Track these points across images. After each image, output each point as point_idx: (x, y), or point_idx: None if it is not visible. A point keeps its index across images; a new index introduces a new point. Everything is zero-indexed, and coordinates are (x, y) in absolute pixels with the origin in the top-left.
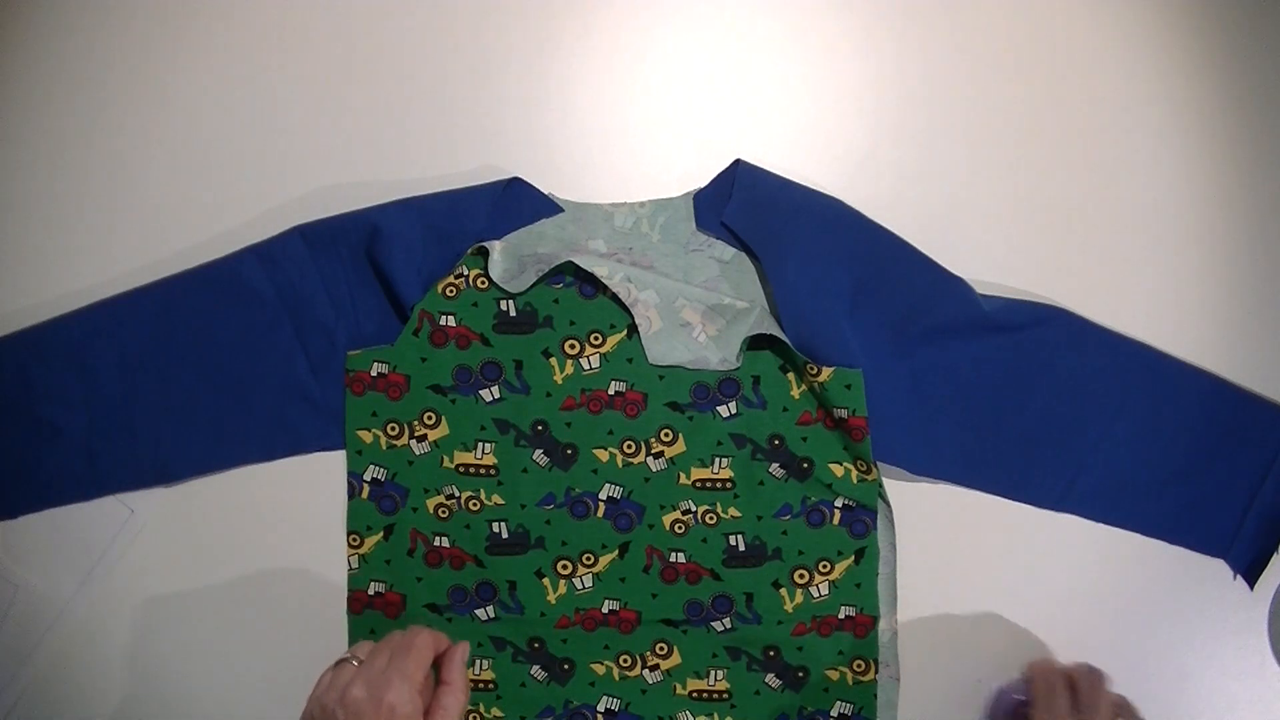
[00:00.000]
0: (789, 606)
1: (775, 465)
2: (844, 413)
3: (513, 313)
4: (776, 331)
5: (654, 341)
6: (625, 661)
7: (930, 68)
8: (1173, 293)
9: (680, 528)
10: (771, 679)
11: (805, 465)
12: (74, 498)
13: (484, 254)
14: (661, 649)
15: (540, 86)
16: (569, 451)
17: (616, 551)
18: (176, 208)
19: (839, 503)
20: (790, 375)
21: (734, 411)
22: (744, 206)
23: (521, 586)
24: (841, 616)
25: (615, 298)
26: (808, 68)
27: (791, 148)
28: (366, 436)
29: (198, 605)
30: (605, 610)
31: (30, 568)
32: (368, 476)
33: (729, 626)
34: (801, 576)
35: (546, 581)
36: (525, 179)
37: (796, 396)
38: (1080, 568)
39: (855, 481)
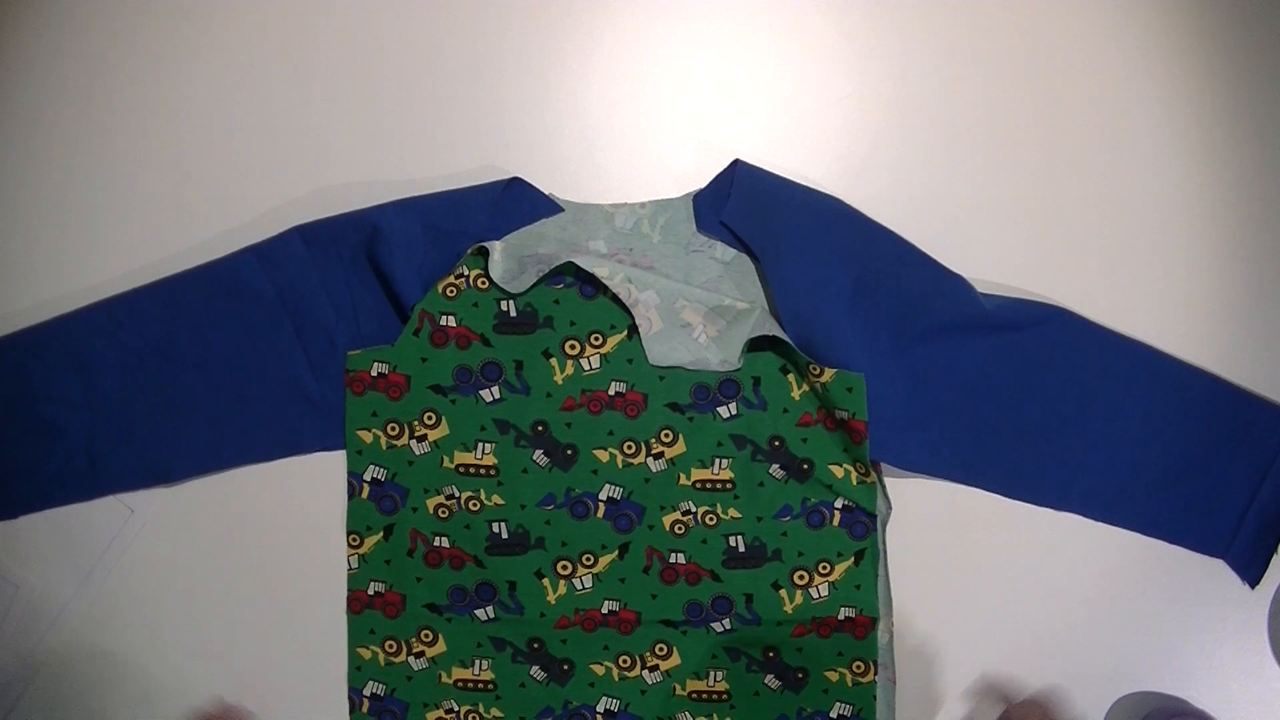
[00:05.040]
0: (788, 608)
1: (775, 466)
2: (845, 414)
3: (513, 313)
4: (778, 332)
5: (654, 342)
6: (625, 662)
7: (930, 68)
8: (1173, 293)
9: (680, 529)
10: (771, 680)
11: (805, 466)
12: (74, 498)
13: (484, 254)
14: (661, 650)
15: (541, 87)
16: (569, 452)
17: (616, 552)
18: (176, 208)
19: (839, 504)
20: (791, 376)
21: (734, 412)
22: (743, 206)
23: (521, 587)
24: (841, 618)
25: (616, 298)
26: (808, 68)
27: (791, 148)
28: (366, 436)
29: (197, 605)
30: (605, 611)
31: (30, 568)
32: (368, 476)
33: (728, 627)
34: (801, 578)
35: (546, 582)
36: (525, 179)
37: (797, 398)
38: (1080, 568)
39: (855, 483)
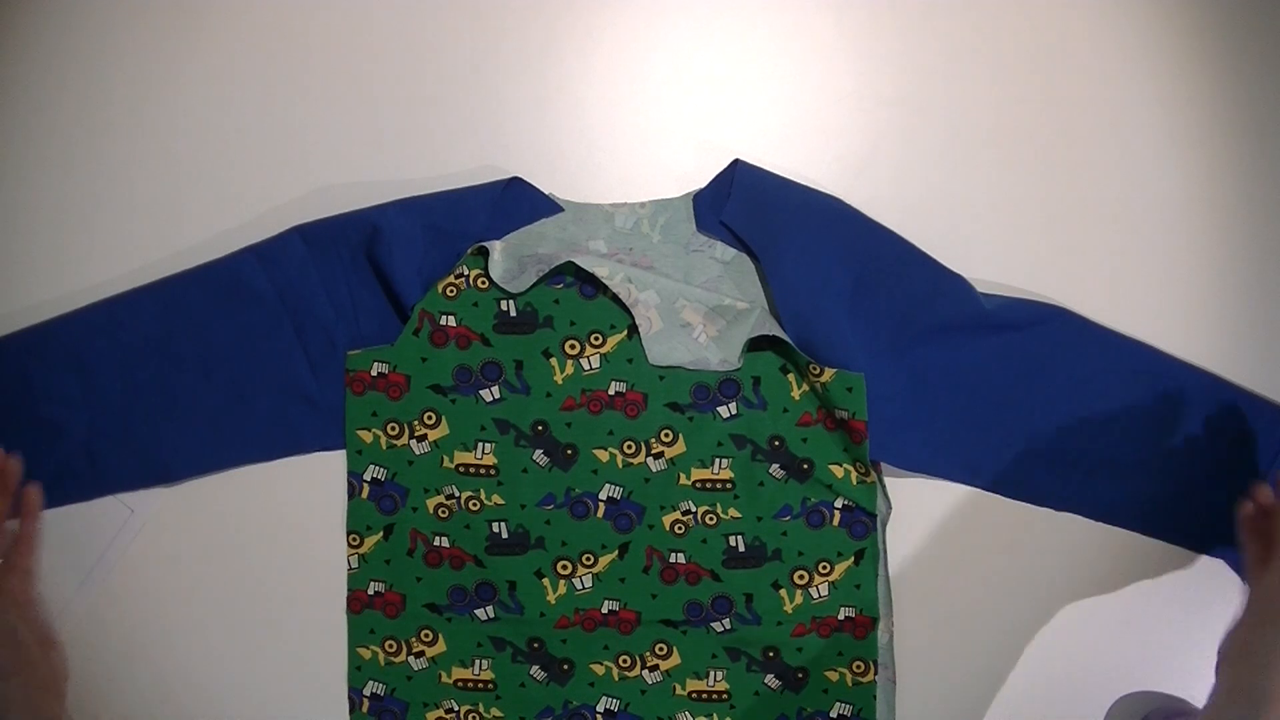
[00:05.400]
0: (788, 607)
1: (775, 466)
2: (845, 414)
3: (513, 313)
4: (778, 332)
5: (654, 342)
6: (625, 662)
7: (930, 67)
8: (1173, 293)
9: (680, 528)
10: (771, 680)
11: (805, 466)
12: (74, 498)
13: (484, 254)
14: (661, 649)
15: (541, 87)
16: (569, 452)
17: (616, 552)
18: (177, 208)
19: (839, 504)
20: (791, 376)
21: (734, 412)
22: (743, 206)
23: (521, 587)
24: (841, 617)
25: (616, 298)
26: (808, 68)
27: (791, 148)
28: (366, 436)
29: (197, 605)
30: (605, 611)
31: None
32: (368, 476)
33: (728, 627)
34: (801, 577)
35: (546, 582)
36: (525, 179)
37: (797, 398)
38: (1080, 568)
39: (855, 483)
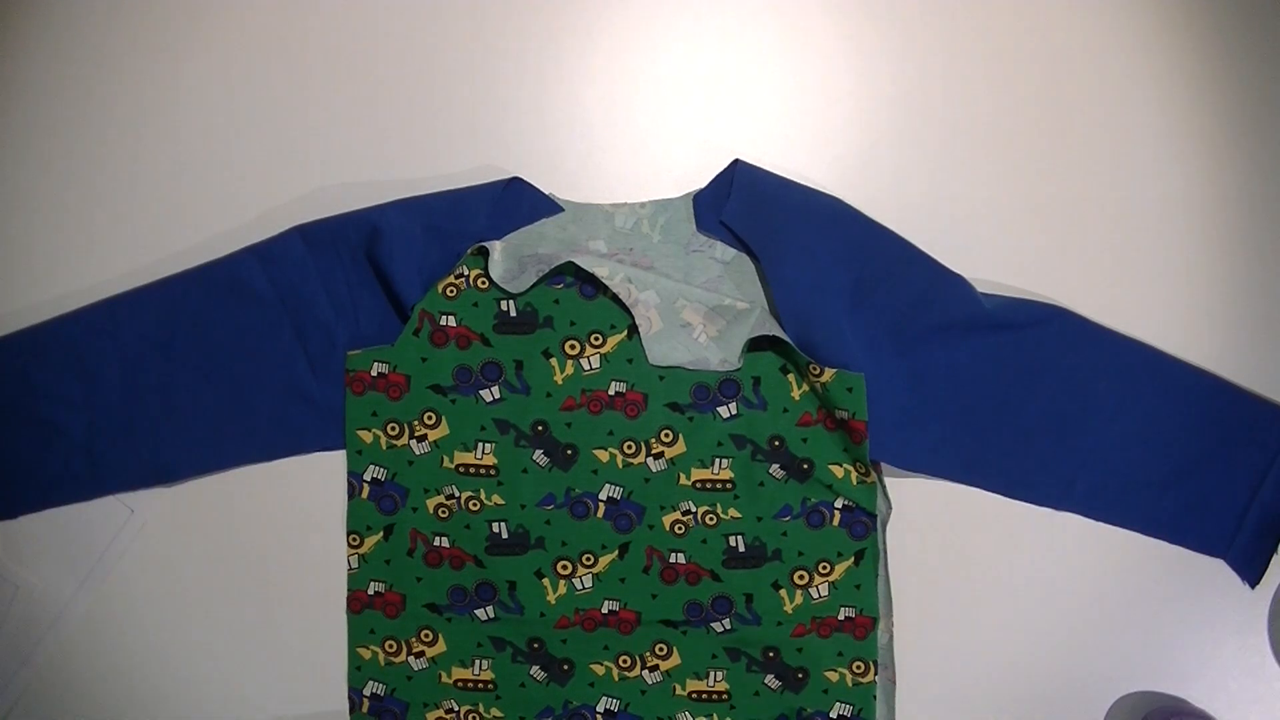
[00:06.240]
0: (788, 608)
1: (775, 466)
2: (845, 414)
3: (513, 313)
4: (778, 332)
5: (654, 342)
6: (625, 662)
7: (930, 68)
8: (1173, 293)
9: (680, 528)
10: (771, 680)
11: (805, 466)
12: (74, 498)
13: (484, 254)
14: (661, 650)
15: (540, 86)
16: (569, 452)
17: (616, 552)
18: (176, 208)
19: (839, 504)
20: (791, 376)
21: (734, 412)
22: (743, 206)
23: (521, 587)
24: (841, 618)
25: (616, 298)
26: (807, 68)
27: (791, 148)
28: (366, 436)
29: (198, 605)
30: (605, 611)
31: (30, 568)
32: (368, 476)
33: (728, 627)
34: (801, 578)
35: (546, 582)
36: (525, 179)
37: (797, 398)
38: (1080, 568)
39: (855, 483)
